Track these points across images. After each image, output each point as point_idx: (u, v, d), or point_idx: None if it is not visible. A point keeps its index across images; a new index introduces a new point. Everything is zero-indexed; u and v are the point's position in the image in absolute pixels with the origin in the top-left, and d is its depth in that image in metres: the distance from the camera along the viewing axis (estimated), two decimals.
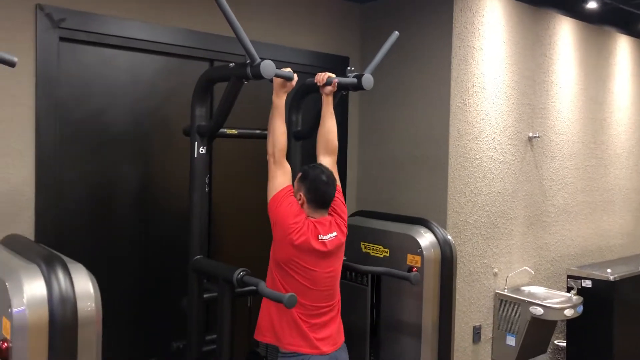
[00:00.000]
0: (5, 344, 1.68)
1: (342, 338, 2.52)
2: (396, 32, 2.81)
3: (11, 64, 1.80)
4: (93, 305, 1.77)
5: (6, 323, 1.69)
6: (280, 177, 2.41)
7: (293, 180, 2.46)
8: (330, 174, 2.48)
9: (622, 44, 4.61)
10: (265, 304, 2.46)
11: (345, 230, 2.50)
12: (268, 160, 2.44)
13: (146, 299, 2.99)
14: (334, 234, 2.43)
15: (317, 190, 2.42)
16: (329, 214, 2.48)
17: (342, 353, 2.49)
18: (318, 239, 2.37)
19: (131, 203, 2.95)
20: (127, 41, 2.82)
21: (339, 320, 2.51)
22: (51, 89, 2.59)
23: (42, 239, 2.53)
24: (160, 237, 3.03)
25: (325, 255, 2.39)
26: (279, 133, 2.42)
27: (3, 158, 2.49)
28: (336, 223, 2.47)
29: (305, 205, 2.42)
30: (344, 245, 2.51)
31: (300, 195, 2.43)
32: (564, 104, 4.09)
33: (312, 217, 2.42)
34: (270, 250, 2.44)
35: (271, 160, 2.43)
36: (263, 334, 2.45)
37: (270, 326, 2.42)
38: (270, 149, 2.43)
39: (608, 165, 4.56)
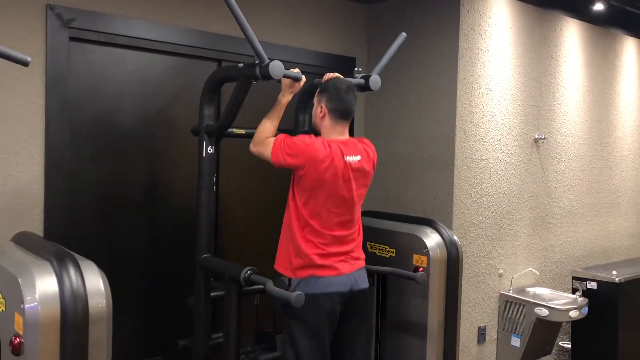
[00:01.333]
0: (18, 339, 1.70)
1: (362, 261, 2.50)
2: (403, 33, 2.83)
3: (24, 63, 1.82)
4: (104, 302, 1.79)
5: (18, 319, 1.71)
6: (268, 143, 2.38)
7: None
8: (349, 82, 2.47)
9: (629, 45, 4.61)
10: (283, 239, 2.45)
11: (372, 160, 2.49)
12: (250, 149, 2.43)
13: (153, 296, 3.01)
14: (358, 157, 2.41)
15: (339, 98, 2.40)
16: (360, 141, 2.48)
17: (361, 273, 2.48)
18: (344, 158, 2.36)
19: (139, 201, 2.97)
20: (136, 41, 2.84)
21: (359, 243, 2.50)
22: (61, 88, 2.61)
23: (51, 236, 2.55)
24: (168, 235, 3.05)
25: (350, 178, 2.37)
26: (268, 127, 2.43)
27: (13, 156, 2.51)
28: (364, 150, 2.45)
29: (326, 118, 2.41)
30: (368, 175, 2.48)
31: (321, 107, 2.42)
32: (570, 106, 4.10)
33: (332, 135, 2.41)
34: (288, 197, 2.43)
35: (252, 147, 2.42)
36: (282, 265, 2.44)
37: (288, 261, 2.41)
38: (254, 138, 2.43)
39: (614, 167, 4.56)
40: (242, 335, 2.48)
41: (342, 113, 2.43)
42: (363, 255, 2.53)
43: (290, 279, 2.40)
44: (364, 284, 2.50)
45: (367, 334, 2.59)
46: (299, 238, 2.37)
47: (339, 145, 2.38)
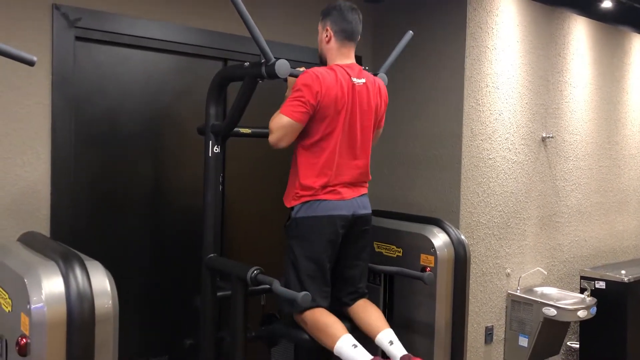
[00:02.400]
0: (24, 339, 1.70)
1: (365, 188, 2.52)
2: (410, 31, 2.81)
3: (30, 63, 1.81)
4: (110, 302, 1.79)
5: (25, 319, 1.71)
6: (278, 118, 2.32)
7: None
8: (352, 4, 2.44)
9: (637, 43, 4.58)
10: (290, 175, 2.46)
11: (381, 94, 2.49)
12: (270, 141, 2.36)
13: (160, 296, 3.01)
14: (363, 80, 2.40)
15: (344, 18, 2.39)
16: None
17: (364, 199, 2.50)
18: (351, 80, 2.34)
19: (145, 201, 2.97)
20: (142, 40, 2.84)
21: (365, 172, 2.50)
22: (67, 87, 2.61)
23: (58, 236, 2.55)
24: (174, 235, 3.04)
25: (356, 100, 2.36)
26: (279, 116, 2.39)
27: (19, 156, 2.51)
28: (373, 80, 2.45)
29: (332, 40, 2.40)
30: (377, 106, 2.46)
31: (326, 30, 2.40)
32: (578, 104, 4.07)
33: (337, 59, 2.39)
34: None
35: (270, 137, 2.36)
36: (287, 198, 2.46)
37: (293, 193, 2.41)
38: (270, 128, 2.36)
39: (622, 165, 4.53)
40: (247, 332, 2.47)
41: (349, 33, 2.40)
42: (367, 185, 2.55)
43: (293, 207, 2.41)
44: (367, 209, 2.51)
45: (366, 262, 2.60)
46: (303, 170, 2.38)
47: (343, 68, 2.37)
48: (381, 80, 2.57)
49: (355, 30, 2.43)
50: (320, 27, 2.47)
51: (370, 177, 2.56)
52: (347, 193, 2.43)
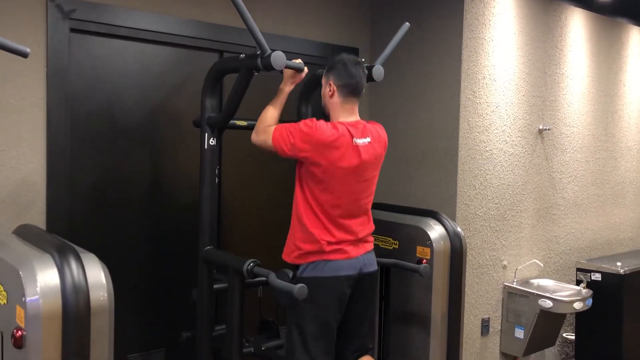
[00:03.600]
0: (20, 332, 1.70)
1: (371, 244, 2.48)
2: (407, 23, 2.80)
3: (24, 55, 1.80)
4: (105, 295, 1.79)
5: (20, 312, 1.71)
6: (270, 131, 2.33)
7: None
8: (357, 58, 2.42)
9: (635, 35, 4.57)
10: (291, 229, 2.42)
11: (383, 141, 2.45)
12: (252, 139, 2.38)
13: (156, 288, 3.01)
14: (368, 139, 2.36)
15: (348, 73, 2.34)
16: (369, 123, 2.43)
17: (369, 256, 2.47)
18: (353, 141, 2.30)
19: (141, 193, 2.96)
20: (137, 32, 2.82)
21: (370, 227, 2.48)
22: (62, 79, 2.60)
23: (54, 229, 2.55)
24: (170, 228, 3.04)
25: (359, 162, 2.32)
26: (270, 114, 2.40)
27: (14, 149, 2.50)
28: (375, 131, 2.40)
29: (336, 95, 2.36)
30: (379, 158, 2.44)
31: (329, 85, 2.37)
32: (575, 96, 4.06)
33: (341, 115, 2.36)
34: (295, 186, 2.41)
35: (254, 136, 2.37)
36: (290, 255, 2.42)
37: (297, 249, 2.38)
38: (256, 127, 2.37)
39: (619, 158, 4.53)
40: (245, 327, 2.47)
41: (352, 89, 2.36)
42: (372, 239, 2.51)
43: (298, 265, 2.37)
44: (373, 267, 2.48)
45: (372, 318, 2.59)
46: (308, 225, 2.34)
47: (347, 127, 2.32)
48: (381, 126, 2.51)
49: (360, 85, 2.38)
50: (324, 81, 2.42)
51: (374, 228, 2.52)
52: (353, 251, 2.38)
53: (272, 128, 2.35)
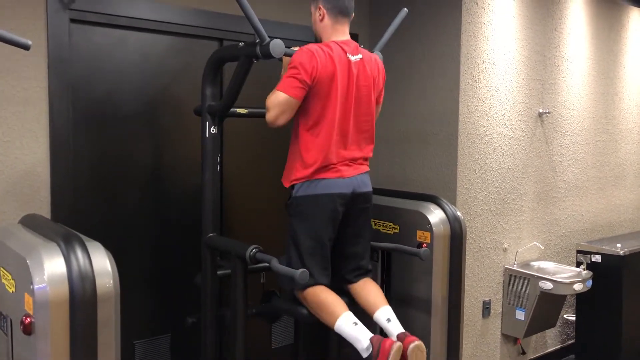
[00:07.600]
0: (29, 319, 1.74)
1: (366, 166, 2.53)
2: (405, 9, 2.81)
3: (25, 47, 1.82)
4: (111, 282, 1.82)
5: (28, 299, 1.75)
6: (275, 95, 2.32)
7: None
8: None
9: (635, 17, 4.55)
10: (290, 154, 2.47)
11: (379, 69, 2.51)
12: (267, 119, 2.35)
13: (161, 275, 3.05)
14: (360, 55, 2.41)
15: None
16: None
17: (364, 177, 2.51)
18: (346, 56, 2.36)
19: (144, 181, 2.99)
20: (137, 22, 2.83)
21: (368, 150, 2.53)
22: (63, 70, 2.62)
23: (58, 218, 2.58)
24: (174, 215, 3.07)
25: (354, 77, 2.37)
26: (276, 94, 2.38)
27: (18, 139, 2.53)
28: (370, 57, 2.45)
29: (326, 17, 2.41)
30: (375, 81, 2.48)
31: (319, 9, 2.41)
32: (575, 79, 4.06)
33: (332, 36, 2.40)
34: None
35: (267, 115, 2.34)
36: (287, 179, 2.47)
37: (293, 172, 2.43)
38: (266, 106, 2.35)
39: (619, 140, 4.54)
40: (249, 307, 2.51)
41: (342, 9, 2.41)
42: (367, 163, 2.56)
43: (293, 185, 2.43)
44: (367, 187, 2.53)
45: (367, 240, 2.62)
46: (302, 148, 2.40)
47: (339, 45, 2.38)
48: (377, 57, 2.58)
49: (348, 6, 2.43)
50: (312, 8, 2.47)
51: (372, 154, 2.56)
52: (347, 171, 2.44)
53: (275, 93, 2.34)
